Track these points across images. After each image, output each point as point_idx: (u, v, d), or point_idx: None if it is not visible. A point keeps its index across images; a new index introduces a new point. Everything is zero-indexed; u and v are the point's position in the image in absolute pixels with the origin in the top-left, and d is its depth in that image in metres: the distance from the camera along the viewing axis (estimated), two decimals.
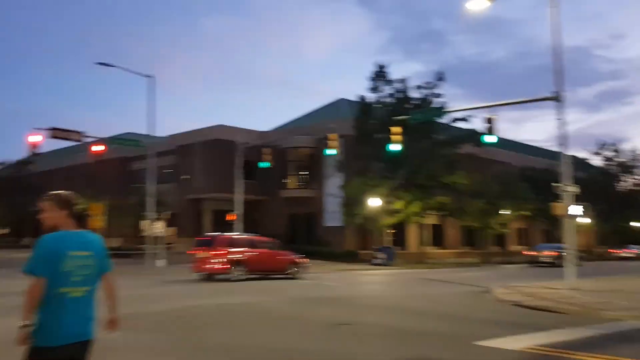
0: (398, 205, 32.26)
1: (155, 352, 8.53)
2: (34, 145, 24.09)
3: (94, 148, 26.54)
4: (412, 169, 32.27)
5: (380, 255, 31.76)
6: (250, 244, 21.43)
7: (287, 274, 21.95)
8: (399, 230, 37.49)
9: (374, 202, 32.07)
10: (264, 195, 42.83)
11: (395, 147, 22.99)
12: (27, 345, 3.43)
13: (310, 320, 11.68)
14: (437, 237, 43.46)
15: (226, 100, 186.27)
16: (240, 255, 20.35)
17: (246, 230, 30.28)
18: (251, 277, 20.65)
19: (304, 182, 42.62)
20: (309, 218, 41.41)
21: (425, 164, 32.05)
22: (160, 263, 26.10)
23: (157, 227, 29.77)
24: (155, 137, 31.25)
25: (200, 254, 20.31)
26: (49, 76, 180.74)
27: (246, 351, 8.51)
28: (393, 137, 22.80)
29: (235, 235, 22.76)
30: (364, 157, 34.52)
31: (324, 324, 11.03)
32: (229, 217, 27.75)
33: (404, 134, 23.05)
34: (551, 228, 42.33)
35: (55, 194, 3.80)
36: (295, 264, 22.63)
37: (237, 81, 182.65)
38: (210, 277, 20.47)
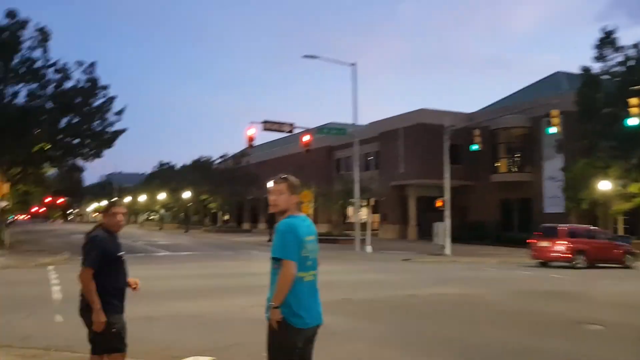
0: (634, 188, 27.62)
1: (377, 341, 7.80)
2: (251, 138, 25.20)
3: (304, 138, 26.99)
4: None
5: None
6: (588, 235, 22.35)
7: (621, 263, 22.27)
8: (633, 217, 32.39)
9: (604, 186, 27.88)
10: (471, 180, 40.42)
11: (633, 121, 20.74)
12: (277, 327, 3.47)
13: (542, 316, 10.05)
14: None
15: (427, 83, 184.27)
16: (582, 245, 21.33)
17: (454, 216, 28.54)
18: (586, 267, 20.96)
19: (517, 165, 39.23)
20: (524, 204, 37.97)
21: None
22: (368, 249, 25.69)
23: (362, 214, 29.53)
24: (358, 125, 31.00)
25: (542, 242, 21.62)
26: (261, 73, 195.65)
27: (475, 348, 7.35)
28: (631, 110, 20.27)
29: (574, 226, 24.01)
30: (589, 135, 30.32)
31: (560, 321, 9.35)
32: (437, 204, 26.28)
33: None
34: None
35: (290, 177, 3.72)
36: (632, 254, 22.89)
37: (437, 63, 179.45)
38: (546, 264, 21.72)
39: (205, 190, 55.56)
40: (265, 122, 25.12)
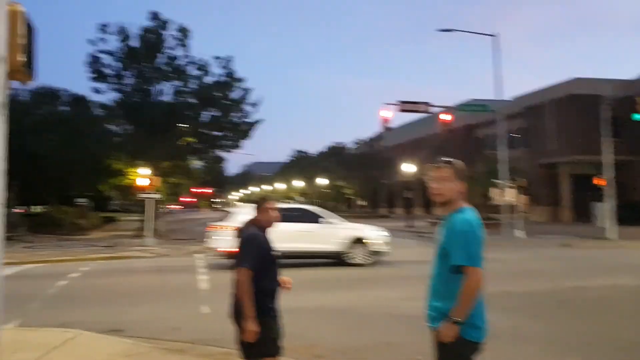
0: None
1: (548, 344, 6.67)
2: (386, 120, 24.38)
3: (442, 117, 25.59)
4: None
5: None
6: None
7: None
8: None
9: None
10: (632, 156, 36.24)
11: None
12: (454, 342, 2.91)
13: None
14: None
15: (574, 51, 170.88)
16: None
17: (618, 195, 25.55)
18: None
19: None
20: None
21: None
22: (519, 234, 23.72)
23: (509, 196, 27.43)
24: (500, 101, 28.80)
25: None
26: (394, 52, 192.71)
27: None
28: None
29: None
30: None
31: None
32: (596, 182, 23.56)
33: None
34: None
35: (454, 161, 3.14)
36: None
37: (585, 29, 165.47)
38: None
39: (340, 176, 55.78)
40: (401, 102, 24.13)
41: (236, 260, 3.86)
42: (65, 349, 6.14)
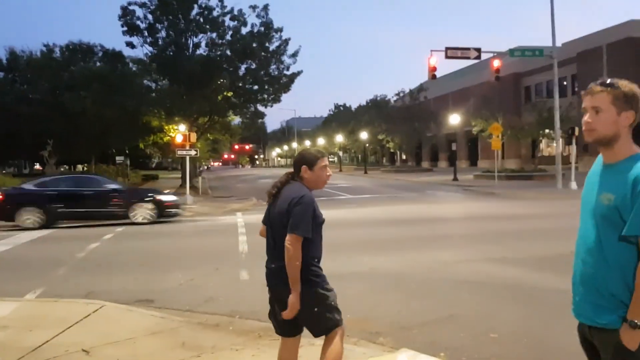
0: None
1: None
2: (433, 68, 22.97)
3: (494, 63, 23.92)
4: None
5: None
6: None
7: None
8: None
9: None
10: None
11: None
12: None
13: None
14: None
15: None
16: None
17: None
18: None
19: None
20: None
21: None
22: (574, 185, 22.23)
23: (560, 146, 25.67)
24: (551, 47, 26.70)
25: None
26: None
27: None
28: None
29: None
30: None
31: None
32: None
33: None
34: None
35: (618, 82, 2.12)
36: None
37: None
38: None
39: (382, 130, 54.35)
40: (448, 48, 22.58)
41: (282, 224, 3.26)
42: (87, 324, 5.45)
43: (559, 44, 40.30)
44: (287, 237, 3.18)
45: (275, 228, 3.32)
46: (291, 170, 3.48)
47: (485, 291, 6.86)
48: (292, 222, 3.20)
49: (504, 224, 13.02)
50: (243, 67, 29.99)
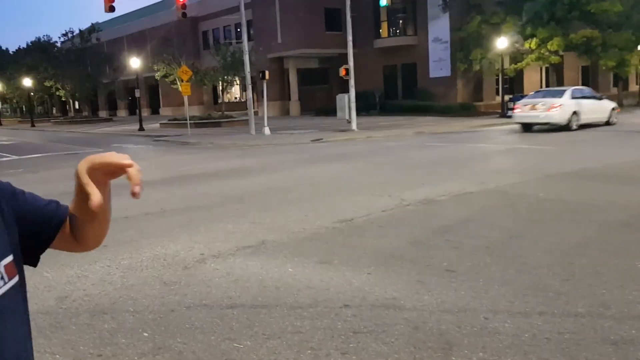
0: (531, 44, 26.72)
1: None
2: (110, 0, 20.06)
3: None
4: None
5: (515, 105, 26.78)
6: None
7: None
8: (512, 78, 32.29)
9: (501, 44, 26.65)
10: (356, 47, 37.91)
11: None
12: None
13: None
14: (554, 80, 37.79)
15: None
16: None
17: (336, 86, 26.08)
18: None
19: (400, 29, 37.03)
20: (408, 69, 36.40)
21: None
22: (267, 131, 22.52)
23: (250, 92, 25.73)
24: None
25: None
26: None
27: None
28: None
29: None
30: None
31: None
32: (342, 73, 23.36)
33: None
34: None
35: None
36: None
37: None
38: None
39: (49, 75, 47.75)
40: None
41: None
42: None
43: None
44: None
45: None
46: None
47: None
48: None
49: (255, 182, 11.14)
50: None
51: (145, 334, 4.10)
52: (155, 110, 54.36)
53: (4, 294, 1.07)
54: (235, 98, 50.23)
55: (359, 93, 37.31)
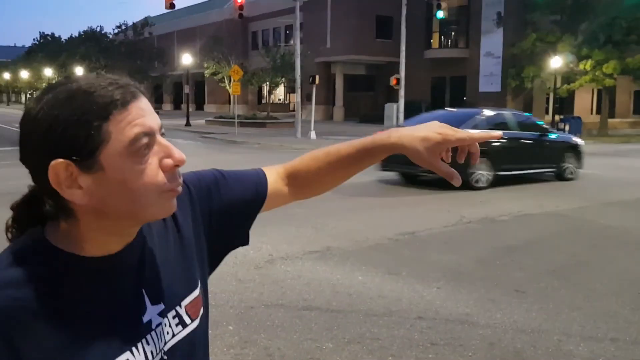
0: (586, 65, 26.33)
1: None
2: None
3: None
4: (602, 20, 25.87)
5: (566, 126, 26.45)
6: None
7: None
8: (563, 98, 31.85)
9: (555, 63, 26.32)
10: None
11: None
12: None
13: None
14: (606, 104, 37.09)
15: None
16: None
17: (382, 95, 26.18)
18: None
19: (452, 41, 36.88)
20: (458, 82, 36.22)
21: (618, 14, 25.49)
22: (313, 135, 22.75)
23: (299, 95, 26.01)
24: None
25: None
26: None
27: None
28: None
29: None
30: (533, 9, 28.41)
31: None
32: (393, 82, 23.43)
33: None
34: None
35: None
36: None
37: None
38: None
39: (101, 66, 49.10)
40: None
41: None
42: None
43: None
44: None
45: None
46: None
47: None
48: None
49: None
50: None
51: (230, 327, 4.30)
52: (199, 106, 55.32)
53: (186, 337, 0.94)
54: (279, 100, 50.77)
55: (406, 103, 37.55)
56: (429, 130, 0.97)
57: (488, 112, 11.96)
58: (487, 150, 10.08)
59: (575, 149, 12.73)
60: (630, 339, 4.28)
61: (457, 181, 0.98)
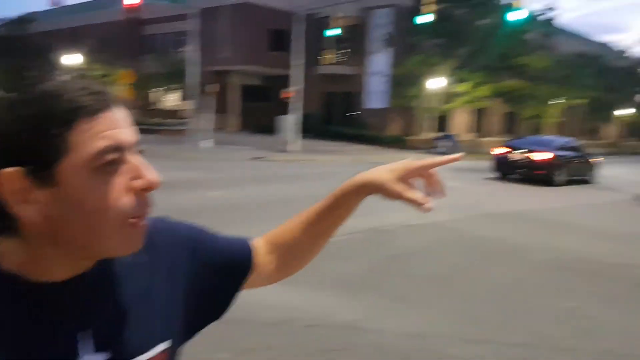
0: (463, 87, 28.29)
1: None
2: None
3: (127, 1, 21.83)
4: (476, 47, 28.15)
5: (443, 143, 28.18)
6: None
7: None
8: (442, 117, 34.03)
9: (436, 83, 28.01)
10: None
11: (425, 19, 22.22)
12: None
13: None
14: (477, 124, 39.84)
15: None
16: None
17: (274, 107, 26.41)
18: None
19: (343, 58, 37.93)
20: (346, 98, 37.33)
21: (493, 43, 27.78)
22: (207, 144, 22.31)
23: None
24: None
25: None
26: None
27: None
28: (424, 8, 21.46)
29: None
30: (418, 32, 30.08)
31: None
32: (285, 95, 23.73)
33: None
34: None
35: None
36: None
37: None
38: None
39: None
40: None
41: None
42: None
43: None
44: None
45: None
46: None
47: None
48: None
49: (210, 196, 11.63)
50: None
51: None
52: None
53: None
54: (170, 107, 49.43)
55: (303, 115, 38.10)
56: (395, 163, 1.00)
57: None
58: None
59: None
60: (504, 341, 4.68)
61: (426, 208, 0.93)
